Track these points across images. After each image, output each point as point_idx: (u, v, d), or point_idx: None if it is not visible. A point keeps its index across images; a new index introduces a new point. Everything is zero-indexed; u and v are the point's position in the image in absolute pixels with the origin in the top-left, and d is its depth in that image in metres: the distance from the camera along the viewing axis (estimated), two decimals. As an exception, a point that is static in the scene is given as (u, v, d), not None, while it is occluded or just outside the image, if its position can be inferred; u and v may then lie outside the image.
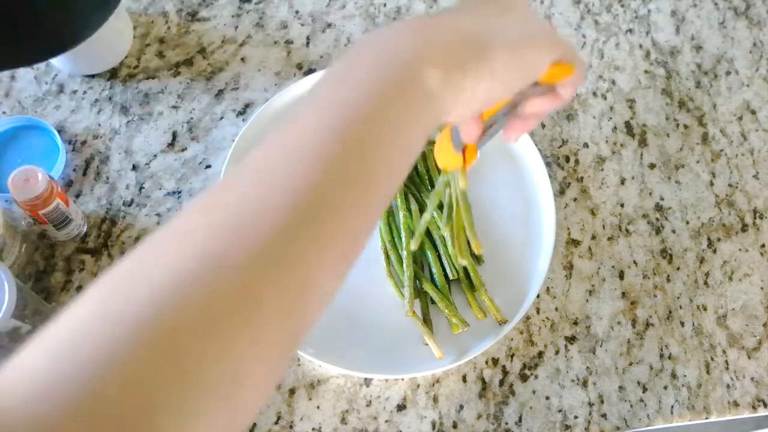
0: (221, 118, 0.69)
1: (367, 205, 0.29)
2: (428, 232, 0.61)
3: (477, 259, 0.61)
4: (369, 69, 0.31)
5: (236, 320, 0.23)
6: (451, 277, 0.59)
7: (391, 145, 0.30)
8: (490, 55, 0.34)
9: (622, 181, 0.69)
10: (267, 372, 0.25)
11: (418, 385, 0.58)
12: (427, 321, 0.58)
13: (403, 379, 0.58)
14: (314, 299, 0.27)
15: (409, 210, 0.61)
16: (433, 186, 0.64)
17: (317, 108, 0.29)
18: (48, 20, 0.55)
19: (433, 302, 0.59)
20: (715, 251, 0.67)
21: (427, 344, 0.57)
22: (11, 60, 0.57)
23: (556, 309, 0.62)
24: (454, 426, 0.57)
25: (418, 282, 0.59)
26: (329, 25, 0.76)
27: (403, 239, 0.60)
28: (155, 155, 0.67)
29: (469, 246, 0.60)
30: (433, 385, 0.58)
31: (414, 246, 0.57)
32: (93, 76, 0.70)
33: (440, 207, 0.56)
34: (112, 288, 0.24)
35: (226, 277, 0.24)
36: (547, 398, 0.59)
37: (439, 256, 0.60)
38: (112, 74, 0.70)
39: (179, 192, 0.65)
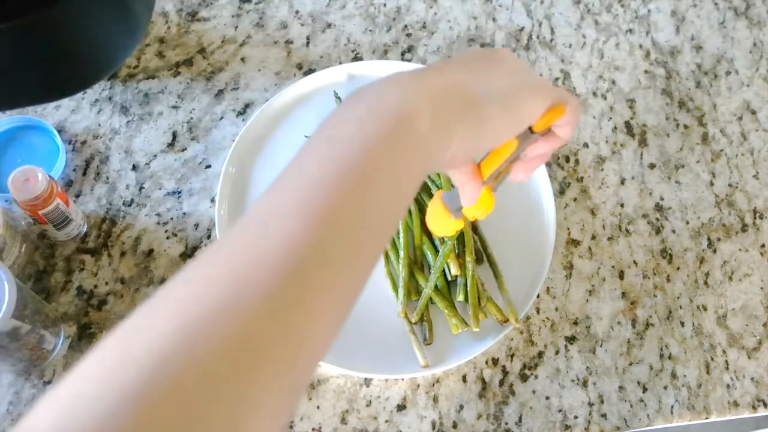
0: (221, 118, 0.69)
1: (361, 253, 0.29)
2: (428, 232, 0.61)
3: (478, 259, 0.61)
4: (358, 123, 0.31)
5: (235, 373, 0.24)
6: (449, 278, 0.59)
7: (382, 194, 0.30)
8: (478, 105, 0.35)
9: (622, 181, 0.69)
10: (269, 423, 0.25)
11: (418, 385, 0.58)
12: (426, 321, 0.58)
13: (403, 379, 0.58)
14: (313, 348, 0.27)
15: (408, 210, 0.61)
16: (429, 191, 0.63)
17: (309, 164, 0.30)
18: (80, 55, 0.56)
19: (433, 302, 0.59)
20: (715, 251, 0.67)
21: (429, 343, 0.57)
22: (45, 95, 0.58)
23: (556, 309, 0.62)
24: (454, 426, 0.57)
25: (416, 282, 0.59)
26: (329, 25, 0.76)
27: (401, 239, 0.60)
28: (155, 155, 0.67)
29: (475, 250, 0.60)
30: (433, 385, 0.58)
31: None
32: (93, 76, 0.70)
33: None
34: (113, 346, 0.24)
35: (225, 331, 0.24)
36: (547, 398, 0.59)
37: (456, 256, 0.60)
38: (112, 74, 0.70)
39: (179, 192, 0.65)
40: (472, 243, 0.60)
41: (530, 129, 0.40)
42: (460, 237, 0.60)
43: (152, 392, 0.22)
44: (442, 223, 0.44)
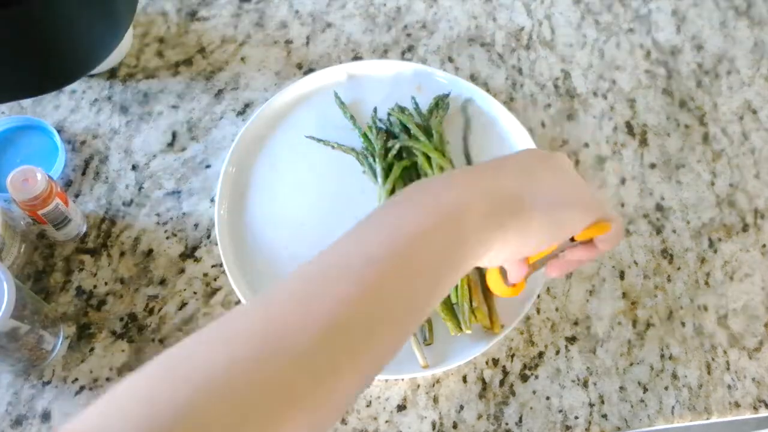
0: (221, 117, 0.69)
1: (396, 329, 0.32)
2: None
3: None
4: (415, 212, 0.34)
5: (267, 419, 0.26)
6: None
7: (424, 281, 0.33)
8: (527, 213, 0.37)
9: (623, 181, 0.69)
10: None
11: (418, 386, 0.58)
12: (426, 321, 0.58)
13: (403, 379, 0.58)
14: (340, 406, 0.30)
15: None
16: None
17: (363, 240, 0.33)
18: (59, 49, 0.55)
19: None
20: (715, 251, 0.67)
21: (429, 343, 0.57)
22: (24, 90, 0.57)
23: (557, 309, 0.62)
24: (455, 426, 0.57)
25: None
26: (329, 25, 0.76)
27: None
28: (155, 155, 0.66)
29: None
30: (433, 385, 0.58)
31: None
32: (92, 75, 0.70)
33: None
34: (161, 370, 0.27)
35: (260, 379, 0.27)
36: (548, 398, 0.58)
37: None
38: (112, 74, 0.70)
39: (179, 192, 0.65)
40: None
41: (572, 238, 0.43)
42: None
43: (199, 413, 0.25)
44: (495, 284, 0.48)
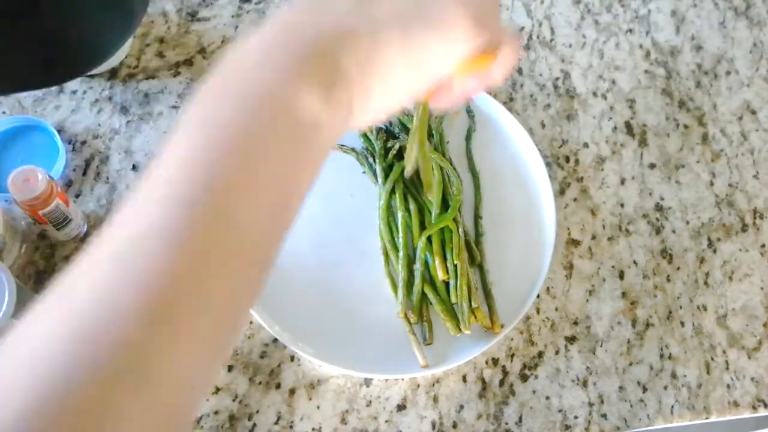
0: (221, 118, 0.69)
1: (240, 281, 0.24)
2: (428, 237, 0.61)
3: (473, 260, 0.61)
4: (232, 107, 0.25)
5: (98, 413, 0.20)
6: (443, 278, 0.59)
7: (265, 201, 0.25)
8: (377, 56, 0.27)
9: (622, 181, 0.69)
10: None
11: (418, 385, 0.58)
12: (426, 321, 0.58)
13: (403, 379, 0.58)
14: (183, 399, 0.23)
15: (408, 210, 0.61)
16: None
17: (171, 170, 0.24)
18: (71, 42, 0.55)
19: (431, 303, 0.59)
20: (715, 251, 0.67)
21: (429, 343, 0.57)
22: (34, 82, 0.57)
23: (556, 309, 0.62)
24: (454, 426, 0.57)
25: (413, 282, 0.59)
26: (329, 25, 0.76)
27: (401, 239, 0.60)
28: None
29: (471, 253, 0.60)
30: (433, 385, 0.58)
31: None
32: (93, 76, 0.70)
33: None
34: None
35: (79, 392, 0.20)
36: (547, 398, 0.59)
37: (444, 260, 0.60)
38: (112, 74, 0.70)
39: (179, 192, 0.65)
40: (460, 242, 0.59)
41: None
42: (448, 238, 0.59)
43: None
44: (465, 67, 0.32)
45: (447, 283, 0.59)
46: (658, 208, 0.68)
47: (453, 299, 0.57)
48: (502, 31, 0.31)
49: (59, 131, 0.66)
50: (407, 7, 0.28)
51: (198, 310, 0.23)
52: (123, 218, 0.24)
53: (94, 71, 0.70)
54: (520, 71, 0.75)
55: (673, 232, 0.67)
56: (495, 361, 0.59)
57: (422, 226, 0.60)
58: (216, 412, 0.55)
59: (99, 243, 0.24)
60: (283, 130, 0.25)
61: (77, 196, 0.64)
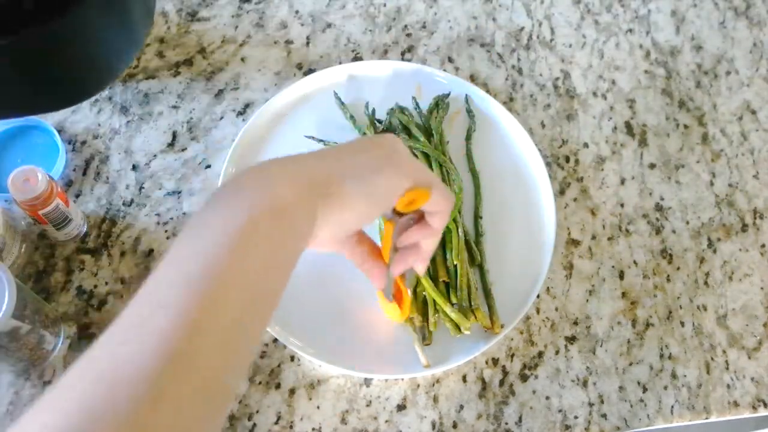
0: (221, 118, 0.69)
1: (225, 361, 0.31)
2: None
3: (473, 260, 0.61)
4: (223, 219, 0.33)
5: None
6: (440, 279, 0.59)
7: (251, 288, 0.32)
8: (338, 188, 0.38)
9: (622, 181, 0.69)
10: None
11: (418, 385, 0.58)
12: (426, 320, 0.58)
13: (403, 379, 0.58)
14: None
15: (409, 210, 0.61)
16: None
17: (179, 258, 0.32)
18: (78, 69, 0.55)
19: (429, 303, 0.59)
20: (715, 251, 0.67)
21: (428, 343, 0.57)
22: (41, 106, 0.57)
23: (556, 309, 0.62)
24: (454, 426, 0.57)
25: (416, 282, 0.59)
26: (329, 25, 0.76)
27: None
28: (155, 155, 0.67)
29: (471, 253, 0.60)
30: (433, 385, 0.58)
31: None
32: (93, 76, 0.70)
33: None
34: None
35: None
36: (547, 398, 0.59)
37: (444, 260, 0.60)
38: (112, 74, 0.70)
39: (179, 192, 0.65)
40: (460, 242, 0.59)
41: (397, 212, 0.44)
42: (448, 238, 0.59)
43: None
44: (390, 311, 0.49)
45: (447, 284, 0.59)
46: (658, 208, 0.68)
47: (453, 299, 0.57)
48: (430, 176, 0.43)
49: (59, 131, 0.66)
50: (369, 160, 0.41)
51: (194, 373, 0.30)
52: (137, 300, 0.31)
53: (94, 71, 0.70)
54: (519, 71, 0.75)
55: (673, 232, 0.67)
56: (495, 361, 0.59)
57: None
58: (216, 412, 0.55)
59: (113, 328, 0.32)
60: (272, 232, 0.34)
61: (77, 196, 0.64)
